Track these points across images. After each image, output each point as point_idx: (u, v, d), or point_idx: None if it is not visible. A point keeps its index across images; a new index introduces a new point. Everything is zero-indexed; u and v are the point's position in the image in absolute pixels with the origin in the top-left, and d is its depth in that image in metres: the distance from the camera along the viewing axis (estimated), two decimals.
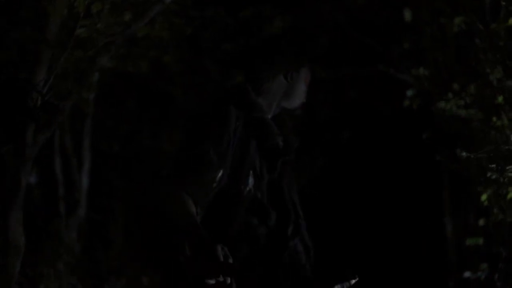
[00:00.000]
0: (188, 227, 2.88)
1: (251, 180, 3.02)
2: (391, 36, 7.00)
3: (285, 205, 3.12)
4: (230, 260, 2.79)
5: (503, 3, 5.06)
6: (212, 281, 2.78)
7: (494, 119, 5.18)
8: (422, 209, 8.14)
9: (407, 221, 8.28)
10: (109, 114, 8.67)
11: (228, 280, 2.79)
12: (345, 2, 7.74)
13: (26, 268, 6.22)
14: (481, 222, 5.70)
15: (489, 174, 4.69)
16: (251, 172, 3.01)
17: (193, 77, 8.33)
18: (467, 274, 6.07)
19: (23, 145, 4.25)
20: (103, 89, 7.78)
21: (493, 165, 4.63)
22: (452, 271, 7.21)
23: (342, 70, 7.87)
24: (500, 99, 5.08)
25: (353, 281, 3.04)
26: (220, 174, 2.94)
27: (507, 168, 4.57)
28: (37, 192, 8.14)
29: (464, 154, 4.83)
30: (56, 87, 4.34)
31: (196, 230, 2.86)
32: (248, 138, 3.01)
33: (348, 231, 8.25)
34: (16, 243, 4.24)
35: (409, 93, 6.13)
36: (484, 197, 5.08)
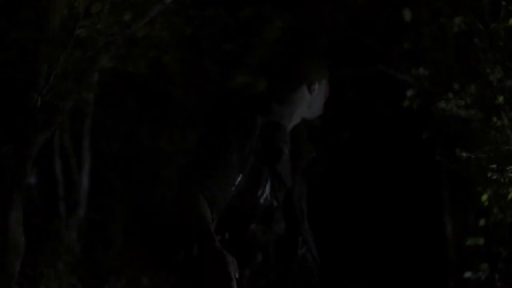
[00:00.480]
0: (199, 231, 2.88)
1: (268, 187, 3.05)
2: (391, 36, 7.00)
3: (294, 214, 3.15)
4: (237, 273, 2.79)
5: (503, 3, 5.06)
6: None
7: (495, 119, 5.18)
8: (422, 209, 8.14)
9: (406, 221, 8.28)
10: (109, 114, 8.67)
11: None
12: (345, 2, 7.74)
13: (26, 268, 6.22)
14: (482, 222, 5.71)
15: (489, 174, 4.69)
16: (269, 179, 3.04)
17: (193, 77, 8.34)
18: (467, 274, 6.07)
19: (23, 145, 4.25)
20: (103, 89, 7.78)
21: (494, 165, 4.63)
22: (452, 271, 7.20)
23: (342, 70, 7.87)
24: (500, 99, 5.08)
25: None
26: (239, 179, 2.97)
27: (508, 168, 4.57)
28: (37, 192, 8.14)
29: (464, 154, 4.83)
30: (56, 87, 4.34)
31: (207, 235, 2.85)
32: (267, 145, 3.05)
33: (347, 230, 8.25)
34: (16, 243, 4.24)
35: (409, 93, 6.13)
36: (484, 197, 5.08)
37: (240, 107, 3.11)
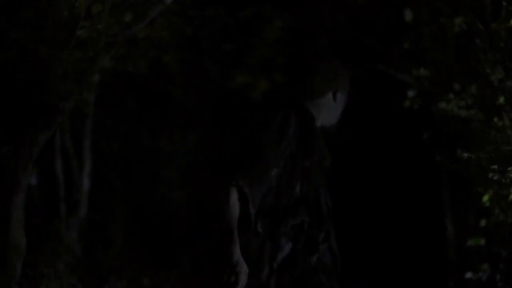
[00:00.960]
0: (222, 231, 2.90)
1: (299, 184, 3.09)
2: (391, 36, 6.99)
3: (321, 210, 3.18)
4: (244, 273, 2.80)
5: (504, 3, 5.06)
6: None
7: (495, 119, 5.18)
8: (423, 210, 8.14)
9: (407, 221, 8.27)
10: (110, 115, 8.67)
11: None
12: (345, 2, 7.74)
13: (26, 268, 6.22)
14: (482, 223, 5.71)
15: (490, 175, 4.69)
16: (300, 176, 3.08)
17: (193, 77, 8.34)
18: (468, 274, 6.07)
19: (24, 146, 4.24)
20: (103, 89, 7.77)
21: (495, 166, 4.63)
22: (453, 272, 7.20)
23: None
24: (501, 99, 5.08)
25: None
26: (273, 173, 3.01)
27: (509, 169, 4.57)
28: (38, 192, 8.14)
29: (464, 154, 4.83)
30: (57, 87, 4.34)
31: (229, 237, 2.87)
32: (300, 145, 3.08)
33: (348, 230, 8.24)
34: (16, 244, 4.24)
35: (410, 93, 6.13)
36: (485, 197, 5.08)
37: (276, 106, 3.16)
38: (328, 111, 3.30)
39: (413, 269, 7.89)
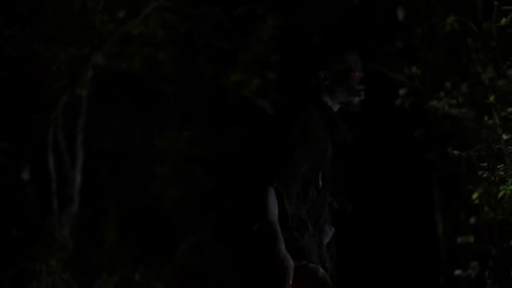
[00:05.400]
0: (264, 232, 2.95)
1: (320, 183, 3.14)
2: (384, 34, 7.02)
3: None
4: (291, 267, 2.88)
5: (496, 2, 5.09)
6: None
7: (486, 118, 5.21)
8: (413, 207, 8.16)
9: (398, 219, 8.30)
10: (103, 112, 8.67)
11: None
12: (338, 1, 7.76)
13: (19, 264, 6.23)
14: (472, 220, 5.74)
15: (480, 173, 4.71)
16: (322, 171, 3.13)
17: (186, 75, 8.35)
18: (457, 272, 6.10)
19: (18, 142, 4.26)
20: (96, 86, 7.78)
21: (484, 164, 4.66)
22: (442, 269, 7.23)
23: None
24: (491, 98, 5.11)
25: None
26: (303, 170, 3.06)
27: (498, 166, 4.59)
28: (30, 188, 8.14)
29: (455, 152, 4.86)
30: (50, 84, 4.36)
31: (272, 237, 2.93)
32: (324, 138, 3.13)
33: (337, 227, 8.25)
34: None
35: (401, 92, 6.16)
36: (475, 195, 5.11)
37: (300, 101, 3.20)
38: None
39: (403, 266, 7.91)
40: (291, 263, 2.92)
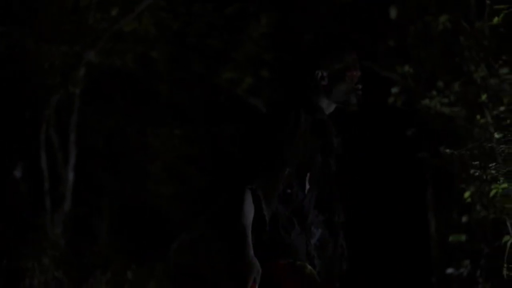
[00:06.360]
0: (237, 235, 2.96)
1: (307, 185, 3.13)
2: (376, 33, 7.03)
3: (331, 208, 3.24)
4: (257, 272, 2.90)
5: (488, 1, 5.09)
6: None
7: (478, 116, 5.22)
8: (406, 206, 8.18)
9: (390, 217, 8.32)
10: (96, 109, 8.67)
11: None
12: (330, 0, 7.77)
13: (11, 261, 6.23)
14: (464, 218, 5.75)
15: (472, 171, 4.72)
16: (310, 175, 3.12)
17: (180, 73, 8.35)
18: (449, 270, 6.11)
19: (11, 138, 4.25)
20: (89, 83, 7.77)
21: (476, 162, 4.66)
22: (435, 267, 7.25)
23: None
24: (483, 97, 5.12)
25: None
26: (290, 172, 3.05)
27: (490, 165, 4.59)
28: (23, 186, 8.13)
29: (447, 151, 4.86)
30: (43, 81, 4.35)
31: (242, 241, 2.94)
32: (312, 141, 3.12)
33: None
34: None
35: (394, 90, 6.16)
36: (467, 194, 5.11)
37: (287, 103, 3.17)
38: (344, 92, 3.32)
39: (396, 265, 7.93)
40: (256, 268, 2.92)
